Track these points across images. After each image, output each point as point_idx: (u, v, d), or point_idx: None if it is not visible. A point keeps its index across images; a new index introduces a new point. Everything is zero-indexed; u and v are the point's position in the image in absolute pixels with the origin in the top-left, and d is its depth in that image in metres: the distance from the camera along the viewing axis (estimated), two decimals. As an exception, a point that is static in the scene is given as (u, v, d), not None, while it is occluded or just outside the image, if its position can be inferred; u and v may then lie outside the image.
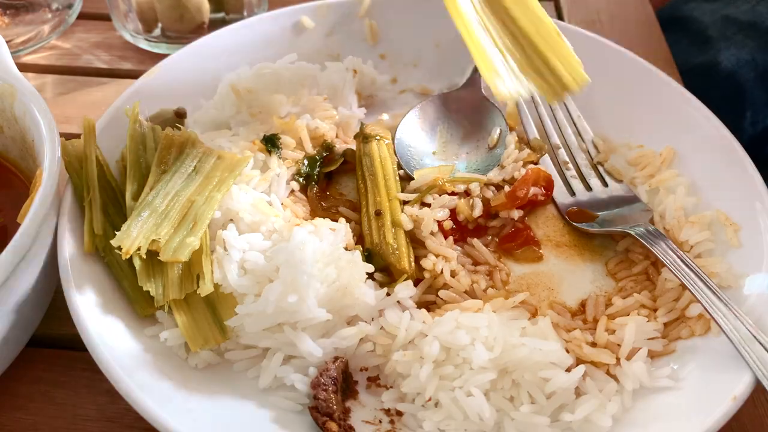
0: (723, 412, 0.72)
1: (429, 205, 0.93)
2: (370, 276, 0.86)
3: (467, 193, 0.96)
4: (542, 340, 0.78)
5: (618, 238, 0.95)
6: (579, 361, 0.81)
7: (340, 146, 1.04)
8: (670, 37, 1.38)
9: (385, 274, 0.88)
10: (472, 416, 0.75)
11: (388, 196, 0.95)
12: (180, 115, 1.03)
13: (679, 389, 0.79)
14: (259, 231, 0.88)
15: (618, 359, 0.81)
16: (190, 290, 0.82)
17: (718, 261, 0.87)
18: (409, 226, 0.91)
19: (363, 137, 1.02)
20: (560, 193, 1.00)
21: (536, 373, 0.76)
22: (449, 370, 0.78)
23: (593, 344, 0.83)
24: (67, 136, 0.87)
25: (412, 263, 0.89)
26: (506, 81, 0.85)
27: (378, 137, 1.02)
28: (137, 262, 0.82)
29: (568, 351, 0.80)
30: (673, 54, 1.33)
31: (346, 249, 0.86)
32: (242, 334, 0.81)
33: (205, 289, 0.81)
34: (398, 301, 0.85)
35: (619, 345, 0.82)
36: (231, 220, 0.89)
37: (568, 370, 0.78)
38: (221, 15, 1.27)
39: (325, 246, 0.83)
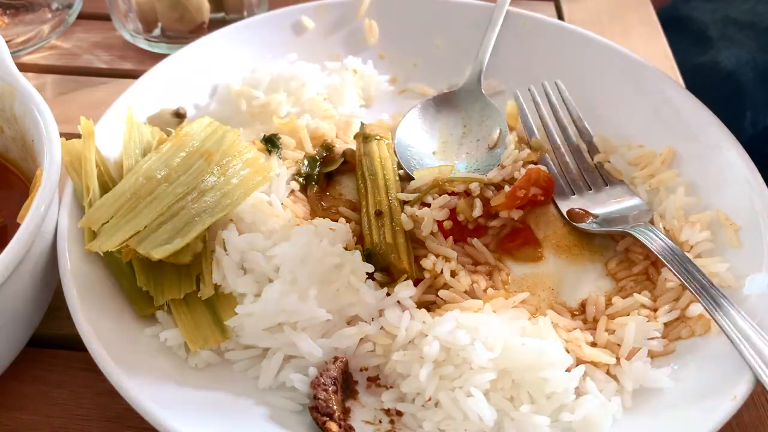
0: (723, 412, 0.72)
1: (429, 205, 0.93)
2: (370, 276, 0.86)
3: (467, 193, 0.96)
4: (542, 340, 0.78)
5: (618, 238, 0.95)
6: (579, 361, 0.81)
7: (340, 146, 1.04)
8: (670, 37, 1.38)
9: (385, 274, 0.88)
10: (472, 416, 0.75)
11: (387, 196, 0.95)
12: (180, 115, 1.03)
13: (679, 389, 0.78)
14: (259, 231, 0.88)
15: (618, 359, 0.81)
16: (188, 290, 0.81)
17: (718, 261, 0.87)
18: (409, 226, 0.91)
19: (363, 137, 1.02)
20: (560, 193, 1.00)
21: (536, 373, 0.76)
22: (449, 370, 0.77)
23: (593, 344, 0.83)
24: (67, 136, 0.87)
25: (412, 263, 0.89)
26: None
27: (378, 137, 1.02)
28: (136, 263, 0.81)
29: (568, 351, 0.80)
30: (674, 54, 1.33)
31: (345, 249, 0.86)
32: (242, 334, 0.81)
33: (206, 292, 0.81)
34: (398, 301, 0.85)
35: (619, 345, 0.82)
36: (231, 220, 0.89)
37: (568, 370, 0.78)
38: (221, 15, 1.27)
39: (325, 246, 0.83)
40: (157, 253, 0.79)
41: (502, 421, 0.76)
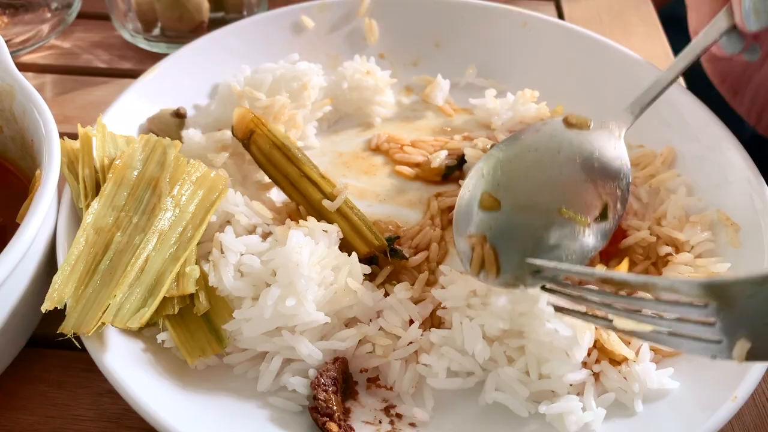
0: (723, 412, 0.72)
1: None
2: (368, 277, 0.86)
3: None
4: (565, 325, 0.75)
5: (618, 238, 0.94)
6: (599, 351, 0.79)
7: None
8: (670, 37, 1.38)
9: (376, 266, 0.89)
10: (468, 346, 0.76)
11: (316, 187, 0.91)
12: (180, 115, 1.03)
13: (679, 389, 0.78)
14: (255, 233, 0.88)
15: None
16: (182, 305, 0.80)
17: (719, 261, 0.87)
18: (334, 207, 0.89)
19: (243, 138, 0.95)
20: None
21: (541, 350, 0.76)
22: (474, 301, 0.78)
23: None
24: (67, 136, 0.87)
25: (373, 239, 0.87)
26: None
27: (256, 126, 0.95)
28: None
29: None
30: (674, 54, 1.33)
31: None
32: (240, 339, 0.80)
33: (201, 308, 0.80)
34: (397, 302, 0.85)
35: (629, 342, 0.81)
36: (228, 222, 0.88)
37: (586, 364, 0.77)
38: (221, 15, 1.27)
39: (322, 248, 0.82)
40: (134, 323, 0.74)
41: (489, 373, 0.77)
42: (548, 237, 0.79)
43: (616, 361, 0.80)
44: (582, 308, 0.74)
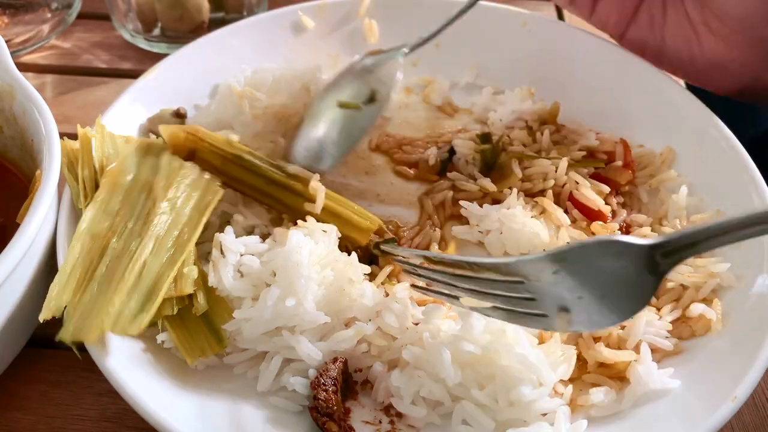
0: (723, 412, 0.72)
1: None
2: (368, 277, 0.86)
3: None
4: (535, 350, 0.76)
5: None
6: (597, 366, 0.79)
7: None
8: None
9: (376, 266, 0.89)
10: (439, 369, 0.75)
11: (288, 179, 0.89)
12: (180, 116, 1.02)
13: (679, 389, 0.78)
14: (255, 233, 0.87)
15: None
16: (181, 305, 0.80)
17: (719, 261, 0.87)
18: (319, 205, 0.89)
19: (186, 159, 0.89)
20: None
21: (511, 376, 0.74)
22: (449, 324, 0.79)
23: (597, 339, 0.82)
24: (67, 136, 0.87)
25: (367, 223, 0.88)
26: None
27: (194, 143, 0.89)
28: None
29: (579, 356, 0.79)
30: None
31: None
32: (240, 339, 0.80)
33: (200, 308, 0.80)
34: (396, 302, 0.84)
35: (625, 340, 0.81)
36: (228, 222, 0.88)
37: (558, 394, 0.77)
38: (221, 15, 1.27)
39: (321, 248, 0.82)
40: (134, 330, 0.74)
41: (458, 401, 0.76)
42: (335, 128, 0.99)
43: (620, 374, 0.80)
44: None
